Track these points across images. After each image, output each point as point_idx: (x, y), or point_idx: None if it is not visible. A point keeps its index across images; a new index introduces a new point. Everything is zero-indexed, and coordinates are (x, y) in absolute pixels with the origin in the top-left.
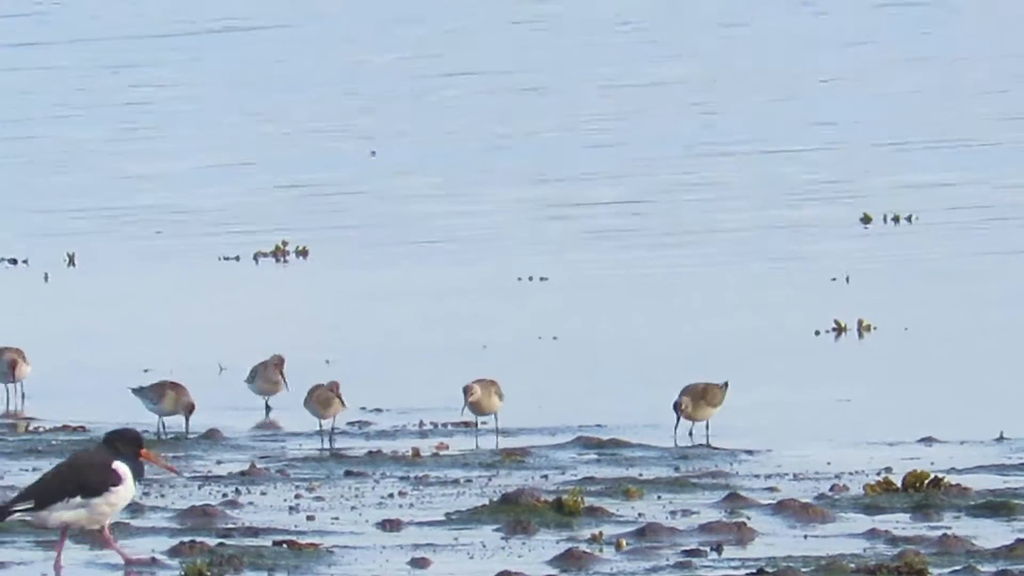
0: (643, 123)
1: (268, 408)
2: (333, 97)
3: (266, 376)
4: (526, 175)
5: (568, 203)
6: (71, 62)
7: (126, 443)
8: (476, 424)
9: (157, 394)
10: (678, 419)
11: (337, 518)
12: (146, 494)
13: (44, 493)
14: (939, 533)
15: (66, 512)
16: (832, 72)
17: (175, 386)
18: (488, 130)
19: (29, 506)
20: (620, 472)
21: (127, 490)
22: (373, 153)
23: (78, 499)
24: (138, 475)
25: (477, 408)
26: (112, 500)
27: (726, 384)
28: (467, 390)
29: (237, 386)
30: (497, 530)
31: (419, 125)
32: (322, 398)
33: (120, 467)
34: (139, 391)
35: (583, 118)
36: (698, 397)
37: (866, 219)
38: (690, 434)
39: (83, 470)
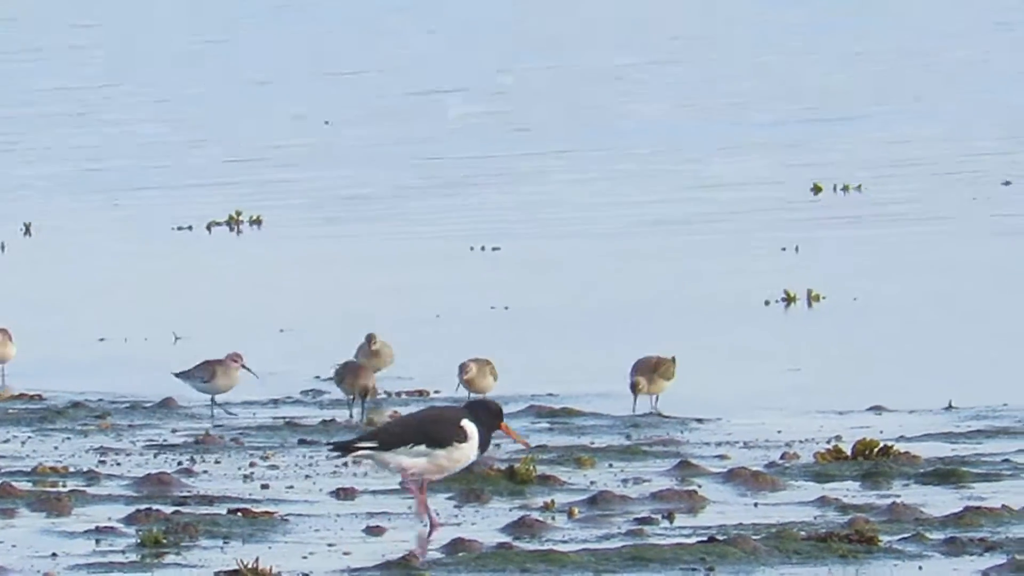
0: (582, 93)
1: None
2: (286, 64)
3: (226, 372)
4: (477, 145)
5: (517, 174)
6: (27, 33)
7: (487, 413)
8: (429, 393)
9: (207, 372)
10: (636, 398)
11: (292, 487)
12: (102, 462)
13: (390, 437)
14: (888, 501)
15: (407, 458)
16: (779, 43)
17: (220, 363)
18: (439, 99)
19: (373, 446)
20: (572, 440)
21: (470, 449)
22: (327, 123)
23: (422, 448)
24: (484, 445)
25: (471, 386)
26: (454, 456)
27: (674, 358)
28: (463, 368)
29: (192, 355)
30: (450, 498)
31: (374, 95)
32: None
33: (468, 426)
34: (184, 374)
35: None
36: (650, 371)
37: (816, 189)
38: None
39: (432, 422)
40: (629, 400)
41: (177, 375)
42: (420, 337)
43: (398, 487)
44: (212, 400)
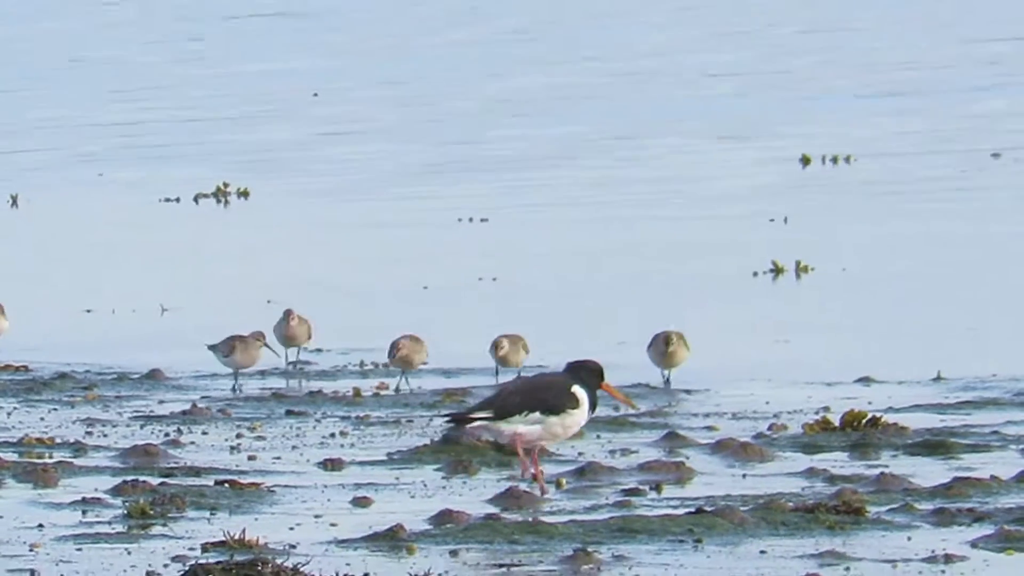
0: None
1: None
2: (274, 36)
3: (246, 349)
4: (465, 118)
5: (508, 146)
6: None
7: (589, 373)
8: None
9: (228, 347)
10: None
11: (278, 458)
12: (89, 433)
13: (504, 406)
14: (877, 472)
15: (522, 426)
16: (771, 15)
17: (242, 339)
18: (434, 69)
19: (488, 415)
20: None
21: (582, 415)
22: (315, 95)
23: (536, 415)
24: (593, 406)
25: (504, 362)
26: (567, 422)
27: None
28: (496, 344)
29: (179, 326)
30: (438, 470)
31: (362, 65)
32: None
33: (579, 392)
34: (212, 347)
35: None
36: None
37: (805, 160)
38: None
39: (545, 389)
40: (617, 371)
41: (208, 347)
42: (407, 309)
43: (385, 458)
44: (234, 374)
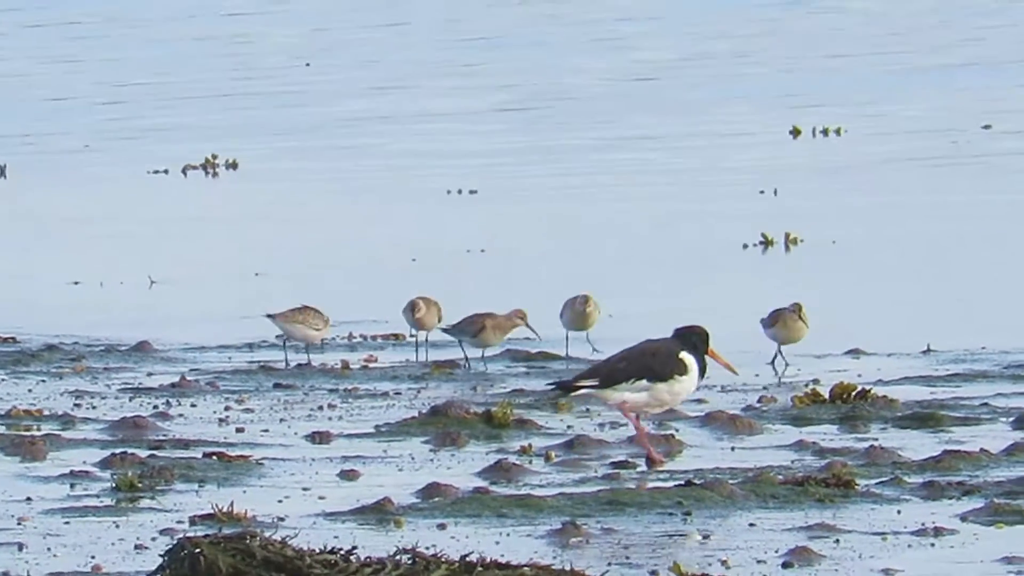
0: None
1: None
2: (269, 3)
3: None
4: (454, 91)
5: (497, 117)
6: None
7: (698, 338)
8: (405, 336)
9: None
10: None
11: (267, 430)
12: (77, 406)
13: (611, 373)
14: (866, 445)
15: (629, 393)
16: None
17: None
18: (425, 41)
19: (594, 384)
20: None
21: (691, 381)
22: (307, 64)
23: (643, 382)
24: (702, 372)
25: (421, 325)
26: (675, 389)
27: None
28: (413, 306)
29: (167, 298)
30: (426, 442)
31: (354, 34)
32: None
33: (688, 358)
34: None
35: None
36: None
37: (795, 132)
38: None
39: (652, 356)
40: (606, 344)
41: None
42: (396, 280)
43: (373, 431)
44: (283, 343)
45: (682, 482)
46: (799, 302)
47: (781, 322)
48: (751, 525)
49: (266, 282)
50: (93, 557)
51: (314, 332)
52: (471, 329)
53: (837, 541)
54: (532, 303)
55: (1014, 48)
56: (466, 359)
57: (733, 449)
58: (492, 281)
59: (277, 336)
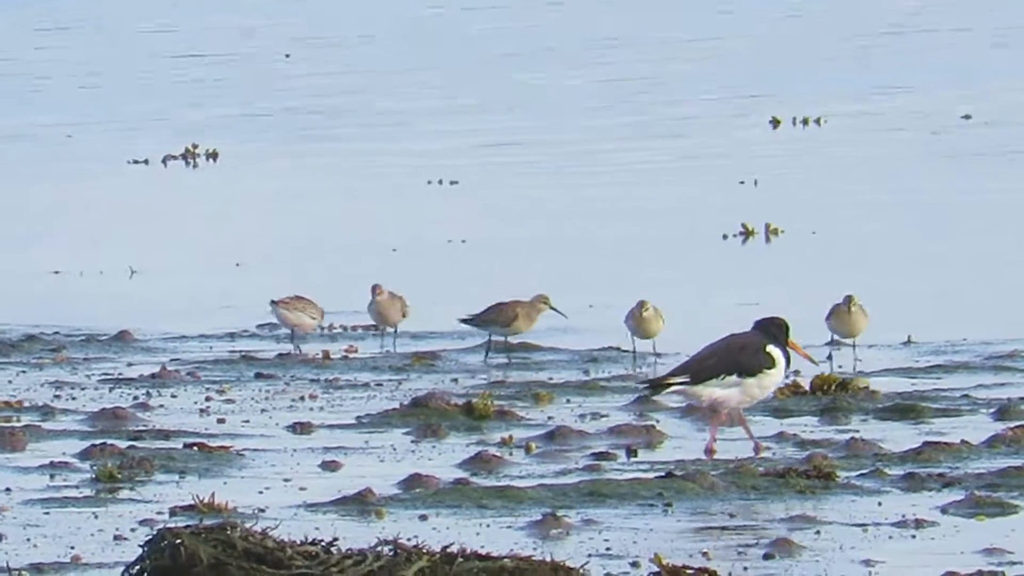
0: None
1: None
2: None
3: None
4: (440, 81)
5: (479, 108)
6: None
7: (779, 330)
8: (385, 329)
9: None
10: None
11: (247, 421)
12: (57, 396)
13: (701, 370)
14: (847, 436)
15: (719, 389)
16: None
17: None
18: (403, 33)
19: (685, 381)
20: (530, 376)
21: (779, 374)
22: (287, 56)
23: (733, 378)
24: (788, 363)
25: (383, 319)
26: (764, 383)
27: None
28: (375, 289)
29: (147, 288)
30: (407, 433)
31: (333, 26)
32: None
33: (774, 351)
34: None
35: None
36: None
37: (775, 122)
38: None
39: (740, 351)
40: (587, 334)
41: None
42: (376, 271)
43: (354, 422)
44: (292, 333)
45: (663, 473)
46: (851, 294)
47: (835, 316)
48: (732, 516)
49: (246, 272)
50: (73, 547)
51: (311, 321)
52: (503, 319)
53: (818, 532)
54: (515, 294)
55: (995, 37)
56: (488, 350)
57: (715, 441)
58: (473, 272)
59: (258, 325)
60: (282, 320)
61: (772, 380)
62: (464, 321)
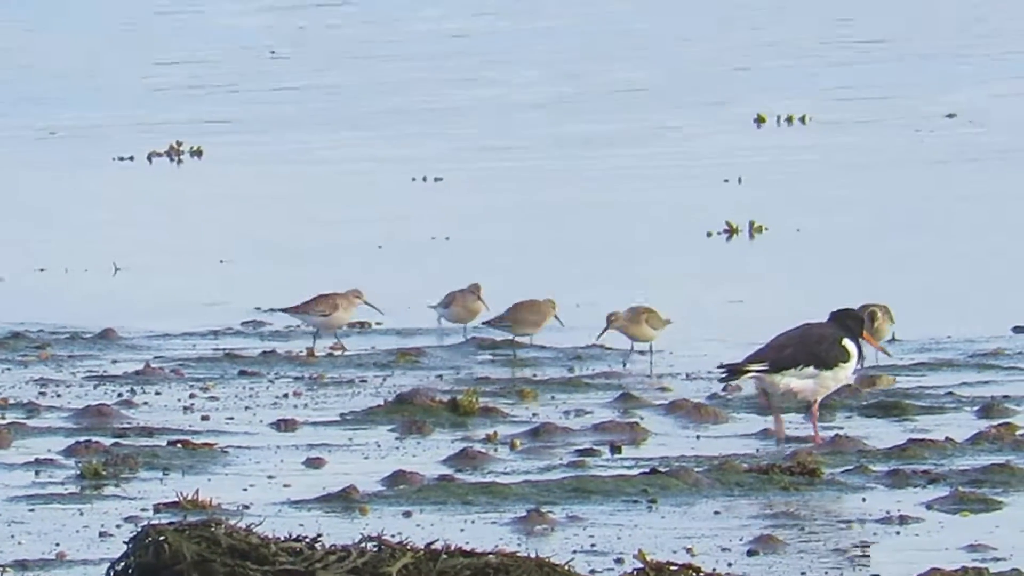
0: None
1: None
2: None
3: (464, 303)
4: (419, 78)
5: (463, 105)
6: None
7: (857, 324)
8: (371, 324)
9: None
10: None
11: (232, 418)
12: (42, 393)
13: (780, 359)
14: (831, 433)
15: (795, 380)
16: None
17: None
18: (386, 27)
19: (764, 368)
20: (515, 373)
21: (851, 367)
22: (272, 53)
23: (810, 370)
24: (861, 356)
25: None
26: (839, 376)
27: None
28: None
29: (132, 285)
30: (392, 430)
31: (320, 22)
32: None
33: (849, 345)
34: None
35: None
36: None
37: (760, 120)
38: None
39: (818, 343)
40: (571, 332)
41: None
42: (361, 268)
43: (338, 419)
44: (314, 333)
45: (647, 470)
46: (874, 308)
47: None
48: (716, 513)
49: (231, 270)
50: (58, 544)
51: (323, 319)
52: (534, 319)
53: (802, 529)
54: (498, 291)
55: (980, 37)
56: (515, 352)
57: (698, 437)
58: (457, 269)
59: (242, 323)
60: (309, 321)
61: (845, 373)
62: (489, 324)
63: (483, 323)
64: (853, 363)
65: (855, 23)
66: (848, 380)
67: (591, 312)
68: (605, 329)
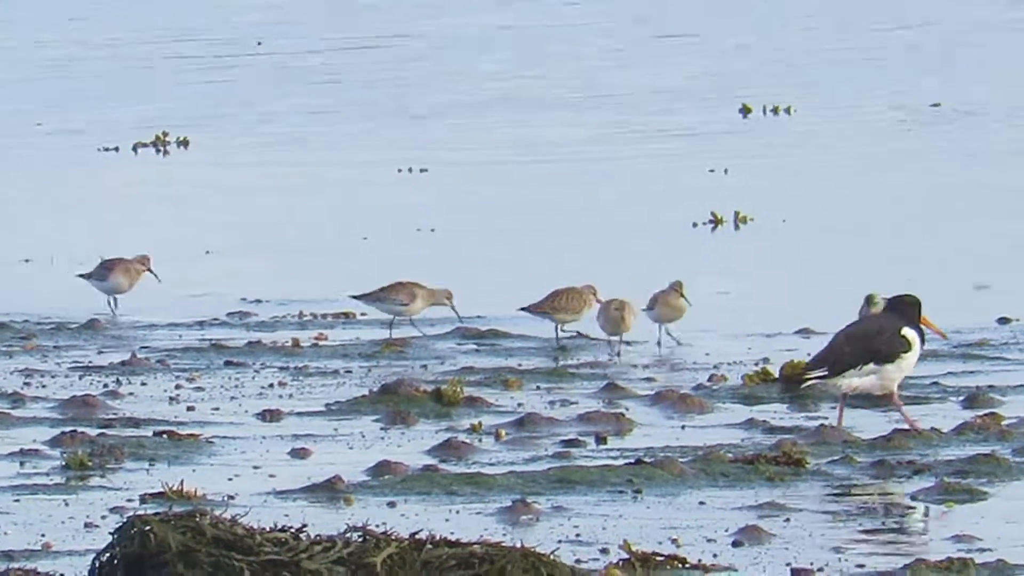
0: (532, 22)
1: (671, 336)
2: None
3: (667, 301)
4: (406, 68)
5: (447, 97)
6: None
7: (914, 310)
8: (355, 315)
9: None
10: None
11: (217, 408)
12: (27, 384)
13: (837, 361)
14: (816, 423)
15: (857, 379)
16: None
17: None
18: (370, 22)
19: (823, 373)
20: (499, 362)
21: (915, 355)
22: (259, 43)
23: (870, 366)
24: (922, 341)
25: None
26: (902, 367)
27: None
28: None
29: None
30: (376, 420)
31: (306, 14)
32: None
33: (909, 333)
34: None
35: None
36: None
37: (746, 110)
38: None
39: (875, 338)
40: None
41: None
42: (347, 259)
43: (323, 409)
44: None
45: (632, 460)
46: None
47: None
48: (701, 503)
49: (216, 261)
50: (43, 535)
51: (401, 307)
52: (572, 306)
53: (787, 519)
54: (482, 283)
55: (966, 28)
56: (559, 340)
57: (683, 428)
58: (441, 260)
59: (228, 313)
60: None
61: (909, 363)
62: (356, 297)
63: (520, 309)
64: (916, 351)
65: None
66: (912, 368)
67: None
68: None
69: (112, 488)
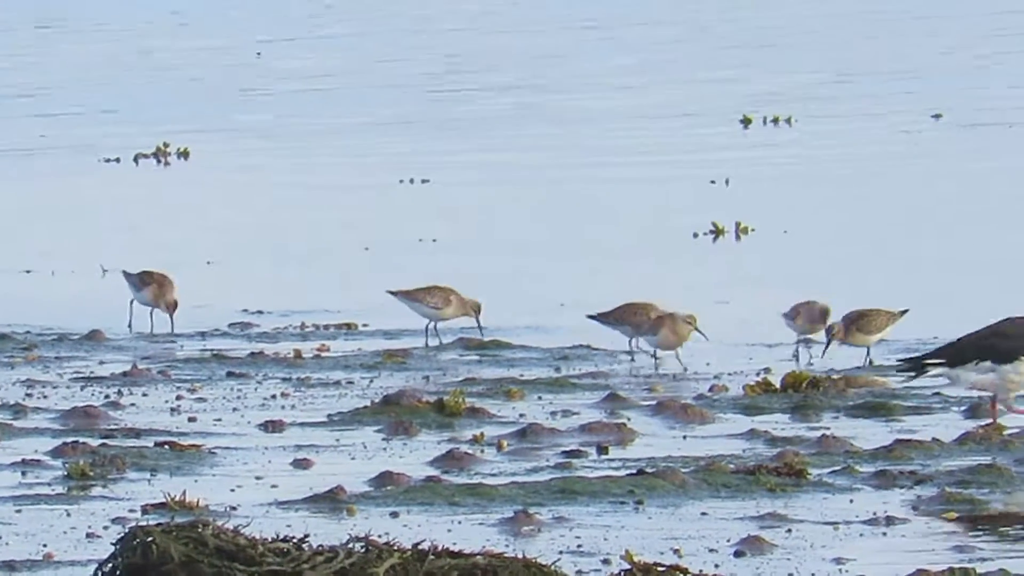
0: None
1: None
2: None
3: (674, 328)
4: (410, 81)
5: (452, 107)
6: None
7: None
8: (357, 326)
9: (142, 282)
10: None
11: (219, 419)
12: (28, 395)
13: (957, 353)
14: (818, 434)
15: (974, 375)
16: None
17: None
18: (374, 31)
19: (942, 362)
20: (501, 373)
21: None
22: (258, 54)
23: (987, 364)
24: None
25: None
26: (1021, 369)
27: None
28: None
29: (119, 287)
30: (379, 431)
31: (306, 26)
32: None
33: None
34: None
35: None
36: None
37: (746, 121)
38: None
39: (998, 336)
40: (558, 332)
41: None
42: (348, 270)
43: (325, 420)
44: (433, 327)
45: (634, 471)
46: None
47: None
48: (703, 514)
49: (218, 271)
50: (45, 545)
51: (433, 311)
52: (639, 321)
53: (789, 530)
54: (485, 293)
55: (968, 39)
56: (631, 349)
57: (685, 438)
58: (443, 271)
59: (230, 324)
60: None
61: None
62: (394, 293)
63: (588, 316)
64: None
65: (831, 27)
66: None
67: (574, 313)
68: (828, 344)
69: (114, 498)
